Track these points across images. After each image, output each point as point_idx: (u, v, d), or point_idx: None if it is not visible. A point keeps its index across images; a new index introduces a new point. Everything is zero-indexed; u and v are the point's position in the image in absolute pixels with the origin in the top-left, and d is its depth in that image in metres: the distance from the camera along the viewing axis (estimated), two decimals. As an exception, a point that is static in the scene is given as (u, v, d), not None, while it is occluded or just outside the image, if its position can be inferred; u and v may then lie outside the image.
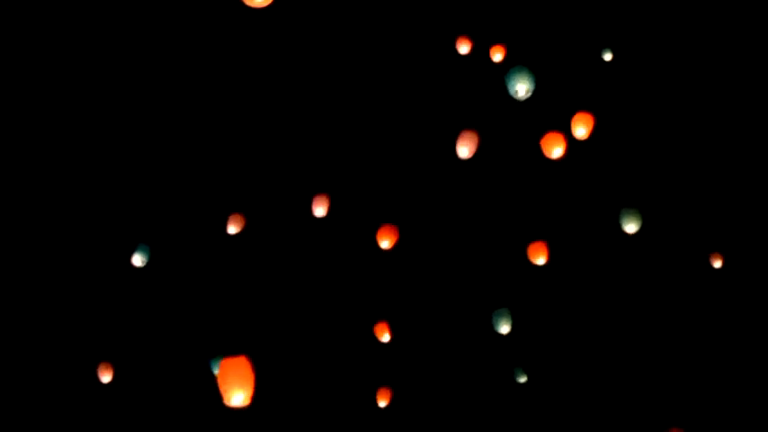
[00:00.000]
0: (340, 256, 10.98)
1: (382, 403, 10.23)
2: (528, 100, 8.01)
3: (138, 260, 10.12)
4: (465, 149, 7.98)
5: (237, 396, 5.82)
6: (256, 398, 5.86)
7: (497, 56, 9.07)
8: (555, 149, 8.38)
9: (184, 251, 10.96)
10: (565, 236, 10.57)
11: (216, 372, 10.50)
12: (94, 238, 10.63)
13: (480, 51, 9.52)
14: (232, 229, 9.31)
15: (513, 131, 10.05)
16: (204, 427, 10.86)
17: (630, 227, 9.25)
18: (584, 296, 11.33)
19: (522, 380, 10.95)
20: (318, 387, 11.35)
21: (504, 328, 9.28)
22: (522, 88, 7.70)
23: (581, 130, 8.46)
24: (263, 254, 10.82)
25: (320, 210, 8.82)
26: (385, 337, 10.25)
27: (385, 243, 8.90)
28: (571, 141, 8.49)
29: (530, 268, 9.64)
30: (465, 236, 10.94)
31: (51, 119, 10.31)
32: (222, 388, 5.82)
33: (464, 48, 9.29)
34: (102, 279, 10.75)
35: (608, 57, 9.95)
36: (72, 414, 10.69)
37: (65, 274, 10.56)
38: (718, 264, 10.45)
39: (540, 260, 9.06)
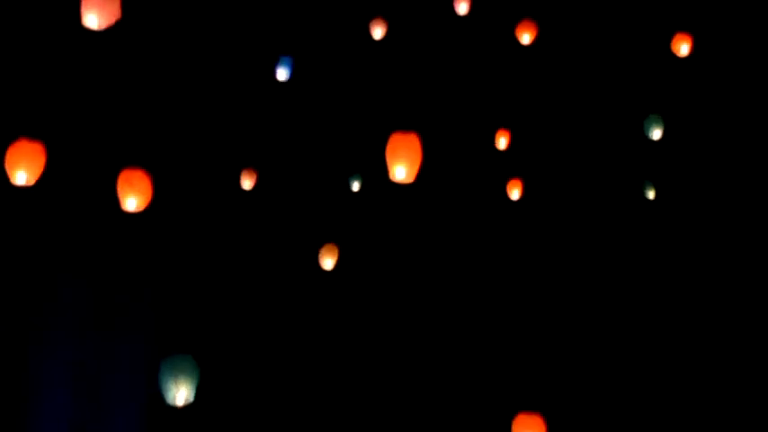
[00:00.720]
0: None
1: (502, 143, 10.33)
2: None
3: (282, 74, 10.19)
4: None
5: (401, 170, 5.97)
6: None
7: None
8: None
9: (328, 63, 11.06)
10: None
11: (354, 187, 10.73)
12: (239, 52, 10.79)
13: None
14: (377, 33, 9.29)
15: None
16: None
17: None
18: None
19: (651, 195, 10.91)
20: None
21: (656, 134, 9.24)
22: None
23: None
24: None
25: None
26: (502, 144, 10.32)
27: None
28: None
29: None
30: None
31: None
32: (388, 161, 5.98)
33: None
34: (246, 93, 10.93)
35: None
36: (215, 217, 11.02)
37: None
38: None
39: None
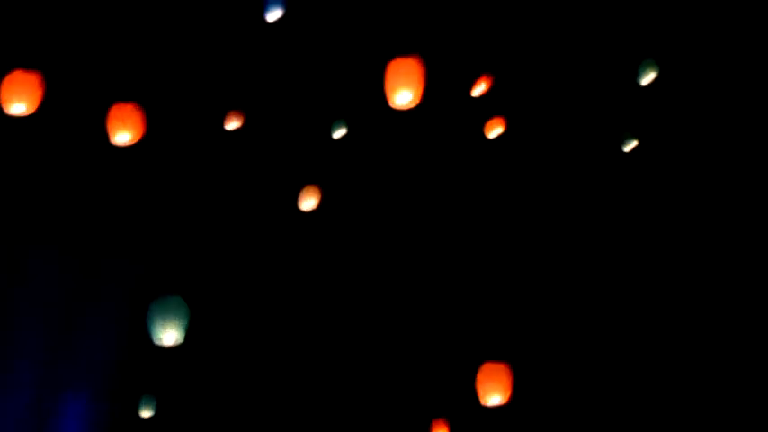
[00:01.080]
0: None
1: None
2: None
3: (273, 16, 10.07)
4: None
5: (404, 95, 5.77)
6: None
7: None
8: None
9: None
10: None
11: (338, 133, 10.69)
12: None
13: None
14: None
15: None
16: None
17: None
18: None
19: (633, 144, 10.79)
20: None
21: (647, 80, 9.25)
22: None
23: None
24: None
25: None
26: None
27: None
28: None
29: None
30: None
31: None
32: (389, 88, 5.77)
33: None
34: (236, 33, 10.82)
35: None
36: (198, 158, 10.98)
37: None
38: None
39: None
